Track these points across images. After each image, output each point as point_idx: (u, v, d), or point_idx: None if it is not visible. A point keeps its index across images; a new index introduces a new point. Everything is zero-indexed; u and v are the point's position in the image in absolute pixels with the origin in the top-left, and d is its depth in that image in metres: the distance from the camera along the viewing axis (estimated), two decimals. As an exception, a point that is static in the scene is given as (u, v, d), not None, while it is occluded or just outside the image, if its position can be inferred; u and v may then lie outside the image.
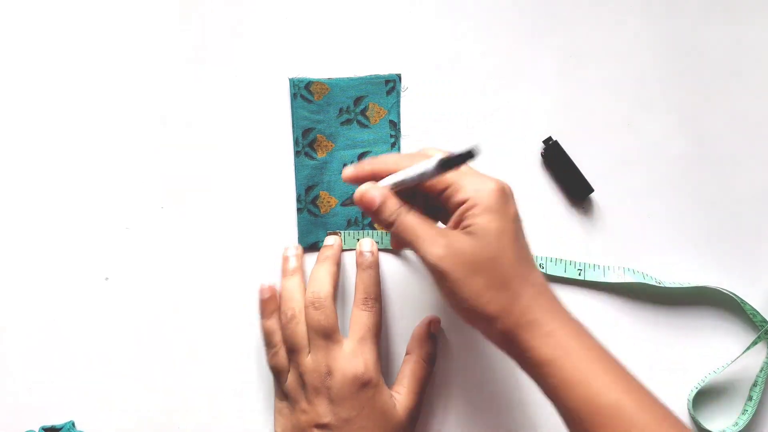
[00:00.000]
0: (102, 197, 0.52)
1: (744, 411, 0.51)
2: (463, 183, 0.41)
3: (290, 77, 0.53)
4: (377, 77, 0.53)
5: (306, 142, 0.52)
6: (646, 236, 0.53)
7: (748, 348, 0.51)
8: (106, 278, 0.52)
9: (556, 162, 0.52)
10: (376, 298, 0.48)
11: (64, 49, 0.53)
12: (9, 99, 0.53)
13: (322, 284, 0.47)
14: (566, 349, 0.39)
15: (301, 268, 0.50)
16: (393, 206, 0.42)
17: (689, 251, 0.53)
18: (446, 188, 0.42)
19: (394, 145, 0.52)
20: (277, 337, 0.48)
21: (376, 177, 0.44)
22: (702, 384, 0.51)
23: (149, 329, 0.52)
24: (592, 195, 0.53)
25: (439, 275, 0.41)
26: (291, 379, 0.47)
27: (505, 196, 0.41)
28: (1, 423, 0.51)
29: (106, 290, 0.52)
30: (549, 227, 0.53)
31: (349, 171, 0.44)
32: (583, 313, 0.45)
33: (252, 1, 0.53)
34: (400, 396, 0.47)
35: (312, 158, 0.52)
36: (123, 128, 0.53)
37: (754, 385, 0.51)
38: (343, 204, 0.51)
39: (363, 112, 0.53)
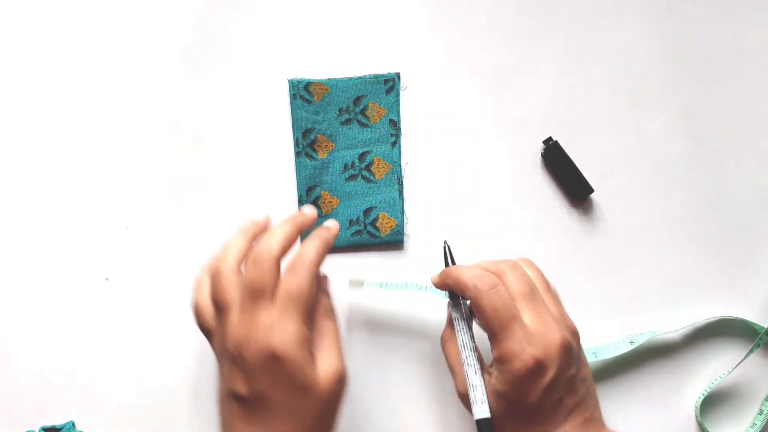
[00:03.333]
0: (102, 197, 0.52)
1: (753, 424, 0.51)
2: (504, 335, 0.42)
3: (289, 78, 0.53)
4: (376, 77, 0.53)
5: (306, 143, 0.52)
6: (646, 236, 0.53)
7: (752, 350, 0.51)
8: (106, 278, 0.52)
9: (556, 162, 0.52)
10: (311, 263, 0.42)
11: (63, 52, 0.53)
12: (10, 100, 0.53)
13: (271, 243, 0.42)
14: None
15: (253, 232, 0.45)
16: (444, 335, 0.47)
17: (689, 251, 0.53)
18: (490, 330, 0.43)
19: (395, 144, 0.52)
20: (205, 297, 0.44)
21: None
22: (709, 390, 0.50)
23: (149, 329, 0.52)
24: (592, 195, 0.53)
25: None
26: (218, 338, 0.43)
27: (539, 369, 0.41)
28: (1, 423, 0.51)
29: (106, 290, 0.52)
30: (549, 227, 0.53)
31: (435, 279, 0.47)
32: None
33: (252, 1, 0.53)
34: (324, 363, 0.41)
35: (313, 159, 0.52)
36: (123, 129, 0.53)
37: (766, 399, 0.51)
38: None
39: (363, 112, 0.53)
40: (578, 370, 0.43)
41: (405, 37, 0.54)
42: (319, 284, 0.44)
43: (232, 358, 0.41)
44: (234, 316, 0.41)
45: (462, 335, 0.45)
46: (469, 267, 0.44)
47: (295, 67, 0.53)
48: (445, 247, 0.48)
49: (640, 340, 0.50)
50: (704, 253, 0.53)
